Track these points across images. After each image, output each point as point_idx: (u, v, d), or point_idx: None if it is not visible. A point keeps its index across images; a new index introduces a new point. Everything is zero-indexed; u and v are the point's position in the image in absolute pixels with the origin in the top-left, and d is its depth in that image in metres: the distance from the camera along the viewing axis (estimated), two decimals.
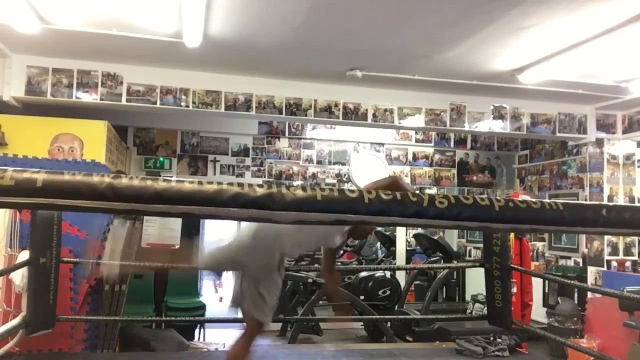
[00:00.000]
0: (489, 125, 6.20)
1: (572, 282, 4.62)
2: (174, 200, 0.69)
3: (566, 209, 0.77)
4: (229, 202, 0.68)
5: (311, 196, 0.71)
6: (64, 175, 0.68)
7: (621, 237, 6.18)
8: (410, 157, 7.98)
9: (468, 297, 7.53)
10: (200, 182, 0.70)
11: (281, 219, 0.71)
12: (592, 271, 6.31)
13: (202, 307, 5.91)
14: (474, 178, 8.25)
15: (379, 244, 9.08)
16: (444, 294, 8.42)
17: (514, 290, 4.31)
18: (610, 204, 0.74)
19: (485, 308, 4.48)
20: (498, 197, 0.74)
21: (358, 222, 0.73)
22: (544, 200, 0.78)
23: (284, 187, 0.70)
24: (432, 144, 7.96)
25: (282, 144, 7.63)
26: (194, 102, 5.42)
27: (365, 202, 0.72)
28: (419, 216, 0.73)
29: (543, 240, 7.42)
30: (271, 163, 7.58)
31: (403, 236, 8.52)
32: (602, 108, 6.36)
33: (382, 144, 7.84)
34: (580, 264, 6.67)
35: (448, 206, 0.75)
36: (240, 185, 0.71)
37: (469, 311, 6.71)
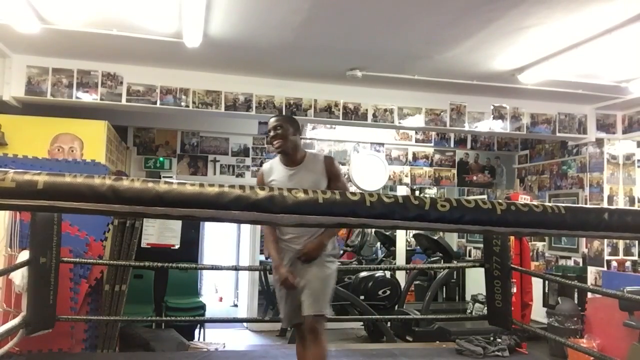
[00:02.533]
0: (489, 125, 6.20)
1: (572, 282, 4.62)
2: (175, 203, 0.68)
3: (568, 212, 0.77)
4: (230, 204, 0.68)
5: (312, 199, 0.71)
6: (65, 178, 0.68)
7: None
8: (410, 157, 7.98)
9: (468, 297, 7.53)
10: (201, 185, 0.70)
11: (282, 221, 0.71)
12: (592, 271, 6.31)
13: (202, 307, 5.91)
14: (474, 178, 8.25)
15: (379, 244, 9.08)
16: (444, 294, 8.42)
17: (514, 290, 4.31)
18: (612, 207, 0.74)
19: (485, 308, 4.48)
20: (500, 201, 0.74)
21: (360, 225, 0.73)
22: (546, 204, 0.78)
23: (285, 189, 0.70)
24: (432, 144, 7.96)
25: None
26: (194, 102, 5.42)
27: (367, 205, 0.72)
28: (420, 219, 0.73)
29: (543, 240, 7.42)
30: None
31: (403, 236, 8.52)
32: (602, 108, 6.36)
33: (382, 144, 7.83)
34: (580, 264, 6.68)
35: (450, 209, 0.75)
36: (242, 187, 0.71)
37: (469, 311, 6.72)
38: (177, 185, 0.70)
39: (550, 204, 0.78)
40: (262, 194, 0.71)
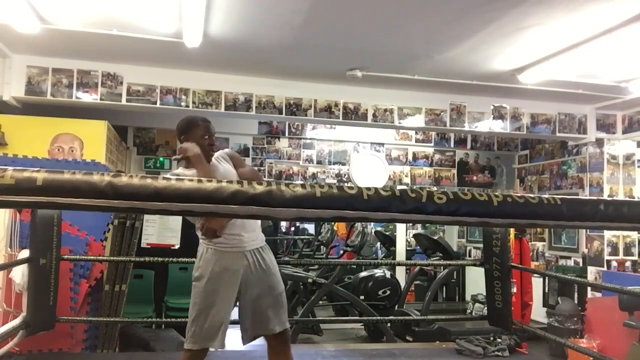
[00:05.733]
0: (489, 125, 6.20)
1: (570, 277, 4.62)
2: (173, 198, 0.69)
3: (564, 203, 0.78)
4: (228, 199, 0.68)
5: (310, 193, 0.72)
6: (64, 174, 0.68)
7: (621, 237, 6.18)
8: (410, 157, 7.98)
9: (468, 297, 7.54)
10: (199, 180, 0.70)
11: (281, 215, 0.72)
12: (592, 271, 6.31)
13: None
14: (474, 178, 8.25)
15: (379, 244, 9.08)
16: (444, 294, 8.43)
17: (514, 290, 4.31)
18: (609, 198, 0.75)
19: (485, 308, 4.48)
20: (497, 193, 0.74)
21: (357, 219, 0.74)
22: (542, 196, 0.78)
23: (283, 184, 0.70)
24: (432, 144, 7.96)
25: (282, 144, 7.63)
26: (194, 102, 5.42)
27: (365, 198, 0.73)
28: (417, 212, 0.73)
29: (543, 240, 7.42)
30: (271, 163, 7.58)
31: (403, 236, 8.53)
32: (602, 108, 6.37)
33: (382, 144, 7.84)
34: (580, 264, 6.68)
35: (447, 202, 0.75)
36: (240, 182, 0.71)
37: (469, 311, 6.72)
38: (176, 181, 0.70)
39: (546, 196, 0.79)
40: (260, 188, 0.72)
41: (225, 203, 0.70)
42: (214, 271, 2.54)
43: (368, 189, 0.71)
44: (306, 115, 5.79)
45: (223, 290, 2.56)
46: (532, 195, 0.79)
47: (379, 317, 5.80)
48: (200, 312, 2.54)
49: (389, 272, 6.88)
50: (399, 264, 8.00)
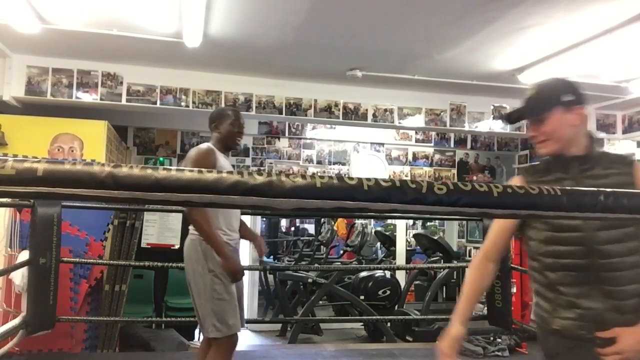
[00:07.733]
0: (489, 125, 6.20)
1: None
2: (173, 188, 0.69)
3: (564, 194, 0.77)
4: (228, 189, 0.68)
5: (310, 184, 0.71)
6: (64, 165, 0.68)
7: None
8: (410, 157, 7.98)
9: None
10: (200, 171, 0.71)
11: (281, 206, 0.72)
12: None
13: None
14: (474, 178, 8.25)
15: (379, 244, 9.08)
16: (444, 294, 8.42)
17: (514, 290, 4.31)
18: (609, 190, 0.75)
19: (485, 308, 4.48)
20: (497, 184, 0.74)
21: (358, 209, 0.74)
22: (543, 187, 0.78)
23: (283, 174, 0.71)
24: (432, 144, 7.96)
25: (282, 144, 7.63)
26: (194, 102, 5.42)
27: (365, 189, 0.73)
28: (417, 203, 0.73)
29: None
30: (271, 163, 7.58)
31: (403, 236, 8.53)
32: (602, 108, 6.37)
33: (382, 144, 7.84)
34: None
35: (447, 192, 0.75)
36: (240, 173, 0.71)
37: None
38: (175, 172, 0.71)
39: (546, 187, 0.79)
40: (260, 179, 0.72)
41: (226, 193, 0.70)
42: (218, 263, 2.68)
43: (368, 179, 0.71)
44: (306, 115, 5.79)
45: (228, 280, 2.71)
46: (532, 186, 0.79)
47: (379, 317, 5.80)
48: (219, 301, 2.67)
49: (389, 272, 6.88)
50: (398, 268, 7.98)
